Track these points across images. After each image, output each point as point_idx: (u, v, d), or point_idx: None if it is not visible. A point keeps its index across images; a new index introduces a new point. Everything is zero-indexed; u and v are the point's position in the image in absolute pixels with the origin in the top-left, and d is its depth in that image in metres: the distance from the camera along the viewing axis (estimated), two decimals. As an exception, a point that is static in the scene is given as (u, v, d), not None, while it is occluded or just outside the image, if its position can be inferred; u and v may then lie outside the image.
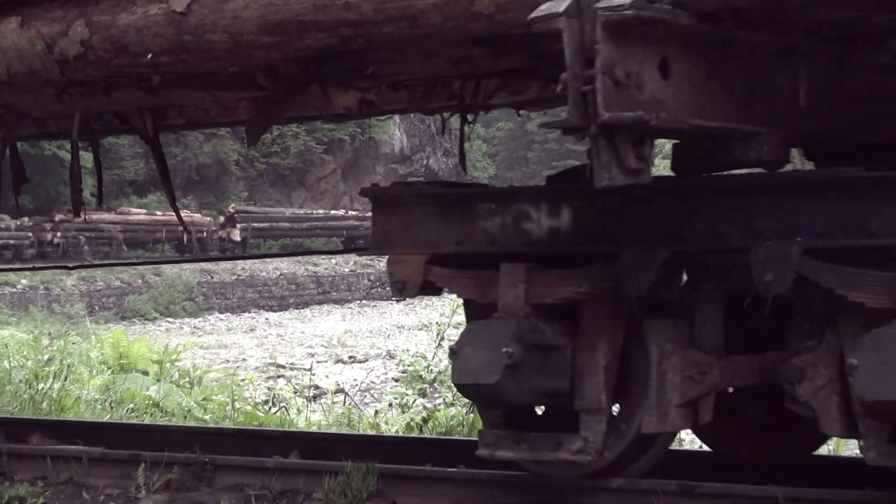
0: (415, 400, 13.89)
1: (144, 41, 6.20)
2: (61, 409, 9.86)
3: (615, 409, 6.36)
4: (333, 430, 8.24)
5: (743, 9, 5.18)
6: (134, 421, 9.96)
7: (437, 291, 6.57)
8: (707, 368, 5.92)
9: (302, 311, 45.53)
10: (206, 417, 10.78)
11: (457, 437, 8.69)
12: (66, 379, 11.32)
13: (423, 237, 6.41)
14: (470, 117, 7.55)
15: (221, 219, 55.23)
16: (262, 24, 5.87)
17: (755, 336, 6.22)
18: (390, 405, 13.60)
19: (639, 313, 5.96)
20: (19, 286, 41.21)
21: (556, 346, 5.98)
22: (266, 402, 12.30)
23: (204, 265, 48.57)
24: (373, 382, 20.33)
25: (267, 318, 41.16)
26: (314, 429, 8.84)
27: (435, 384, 14.55)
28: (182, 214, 46.31)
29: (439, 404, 12.40)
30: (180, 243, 52.64)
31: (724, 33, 5.29)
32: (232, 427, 9.16)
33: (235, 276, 48.94)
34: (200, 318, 42.38)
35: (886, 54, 5.63)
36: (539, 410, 6.66)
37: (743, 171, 5.98)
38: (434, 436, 8.88)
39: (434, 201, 6.41)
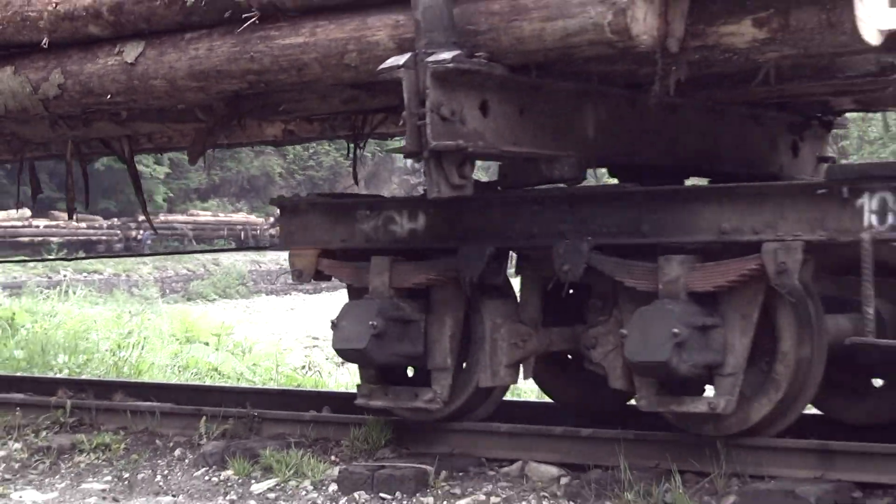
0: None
1: (104, 85, 6.54)
2: (139, 373, 9.88)
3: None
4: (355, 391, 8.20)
5: (544, 62, 5.48)
6: (197, 382, 9.95)
7: (326, 278, 6.77)
8: (527, 337, 6.20)
9: (332, 293, 45.61)
10: (255, 379, 10.71)
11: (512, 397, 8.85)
12: (142, 348, 11.36)
13: (316, 236, 6.67)
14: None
15: (271, 219, 56.03)
16: (190, 73, 6.23)
17: (568, 312, 6.37)
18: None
19: (475, 295, 6.21)
20: (105, 273, 41.30)
21: (413, 319, 6.29)
22: (303, 367, 12.20)
23: (253, 255, 48.00)
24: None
25: (304, 300, 41.29)
26: (342, 389, 8.79)
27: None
28: (240, 216, 45.67)
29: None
30: (238, 239, 53.29)
31: (531, 81, 5.58)
32: (276, 387, 9.08)
33: (279, 266, 49.25)
34: (251, 300, 42.45)
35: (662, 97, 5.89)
36: (410, 371, 6.90)
37: (549, 185, 6.22)
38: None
39: (324, 209, 6.68)
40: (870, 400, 6.47)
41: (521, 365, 6.38)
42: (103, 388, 8.22)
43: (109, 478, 6.24)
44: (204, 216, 55.30)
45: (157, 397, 7.82)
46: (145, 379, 9.31)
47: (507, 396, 7.61)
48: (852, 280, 5.68)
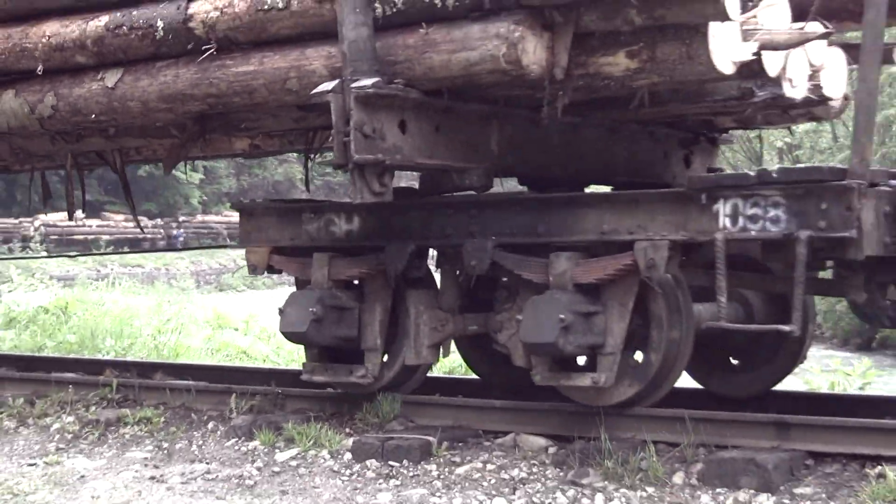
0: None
1: (90, 106, 6.68)
2: (176, 355, 9.83)
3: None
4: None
5: (453, 87, 5.62)
6: (227, 363, 9.89)
7: (277, 272, 6.91)
8: (446, 322, 6.36)
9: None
10: (280, 361, 10.58)
11: (457, 375, 8.63)
12: (179, 333, 11.26)
13: (268, 236, 6.78)
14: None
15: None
16: (160, 96, 6.38)
17: (481, 301, 6.47)
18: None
19: (400, 286, 6.34)
20: (147, 267, 41.40)
21: (348, 307, 6.41)
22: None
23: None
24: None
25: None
26: None
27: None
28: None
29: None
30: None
31: (444, 103, 5.77)
32: (297, 368, 8.71)
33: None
34: (275, 290, 42.24)
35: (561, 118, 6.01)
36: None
37: (461, 192, 6.29)
38: (441, 374, 8.65)
39: (276, 212, 6.82)
40: (741, 376, 6.61)
41: (440, 346, 6.49)
42: (145, 369, 8.26)
43: (150, 447, 6.33)
44: (236, 217, 55.61)
45: (192, 376, 7.77)
46: (182, 360, 9.26)
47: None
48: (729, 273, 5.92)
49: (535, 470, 5.26)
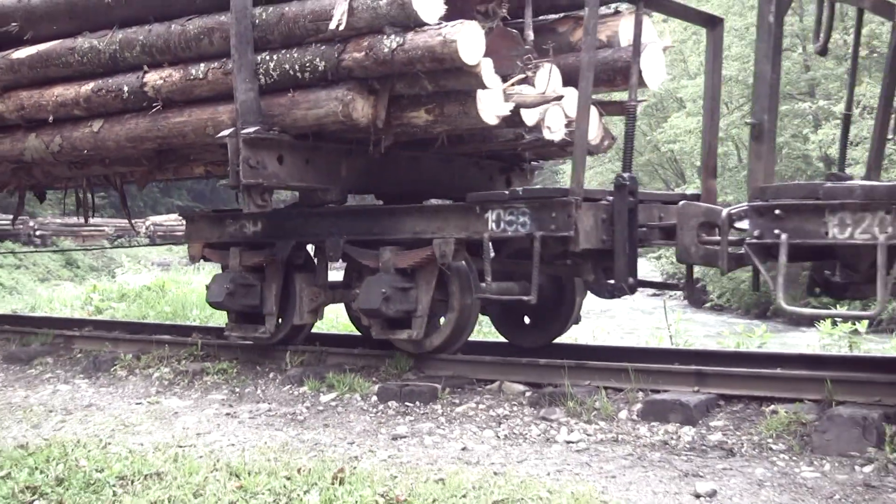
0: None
1: (83, 144, 7.57)
2: (345, 326, 9.73)
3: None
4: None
5: (312, 132, 6.56)
6: None
7: (209, 261, 7.80)
8: (320, 294, 7.23)
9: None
10: (322, 326, 10.25)
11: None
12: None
13: (203, 235, 7.58)
14: None
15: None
16: (127, 138, 7.29)
17: (349, 278, 7.23)
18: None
19: (289, 270, 7.21)
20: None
21: (253, 284, 7.25)
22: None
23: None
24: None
25: None
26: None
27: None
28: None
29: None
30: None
31: (310, 143, 6.69)
32: (336, 332, 9.21)
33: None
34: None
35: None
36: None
37: (325, 204, 7.15)
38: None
39: (208, 218, 7.59)
40: (533, 332, 7.37)
41: (317, 311, 7.27)
42: (222, 332, 8.10)
43: (226, 391, 6.47)
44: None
45: (372, 345, 7.51)
46: (346, 330, 9.25)
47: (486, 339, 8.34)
48: (514, 262, 6.67)
49: (515, 409, 5.49)
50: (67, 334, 8.40)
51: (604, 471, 4.27)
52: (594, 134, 6.90)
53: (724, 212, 5.06)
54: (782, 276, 4.82)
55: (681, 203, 5.41)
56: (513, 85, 6.12)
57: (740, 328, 10.53)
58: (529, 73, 6.24)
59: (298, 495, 3.94)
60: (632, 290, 5.82)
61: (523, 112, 6.21)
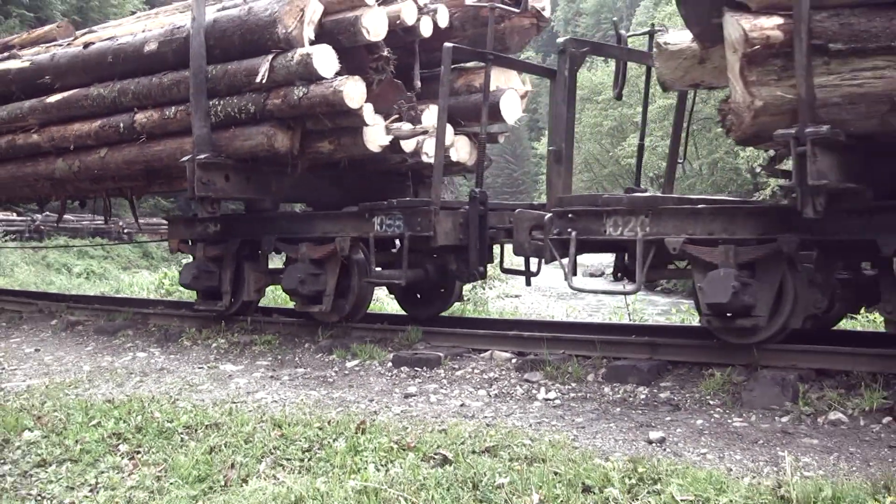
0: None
1: (94, 166, 7.92)
2: (286, 302, 9.41)
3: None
4: (402, 313, 7.93)
5: (250, 158, 6.85)
6: None
7: (184, 252, 8.09)
8: (262, 278, 7.49)
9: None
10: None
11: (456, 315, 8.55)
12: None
13: (179, 233, 7.72)
14: None
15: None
16: (123, 161, 7.65)
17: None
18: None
19: (240, 259, 7.36)
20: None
21: (213, 270, 7.39)
22: (374, 300, 12.40)
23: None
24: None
25: None
26: (392, 312, 8.61)
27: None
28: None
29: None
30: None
31: (249, 166, 6.94)
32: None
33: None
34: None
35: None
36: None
37: (262, 211, 7.58)
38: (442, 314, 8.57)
39: (182, 221, 7.88)
40: (426, 306, 7.39)
41: (261, 290, 7.52)
42: (268, 311, 8.21)
43: (270, 358, 6.34)
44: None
45: (296, 315, 7.62)
46: (289, 306, 8.80)
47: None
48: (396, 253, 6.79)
49: (503, 373, 5.41)
50: (144, 312, 8.32)
51: (575, 422, 4.25)
52: (466, 157, 7.22)
53: (547, 216, 5.44)
54: (572, 262, 5.32)
55: (517, 210, 5.79)
56: (393, 122, 6.53)
57: (685, 307, 10.63)
58: (412, 113, 6.63)
59: (329, 442, 3.89)
60: (482, 276, 6.29)
61: (402, 142, 6.60)
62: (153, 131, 7.23)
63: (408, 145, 6.68)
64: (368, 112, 6.24)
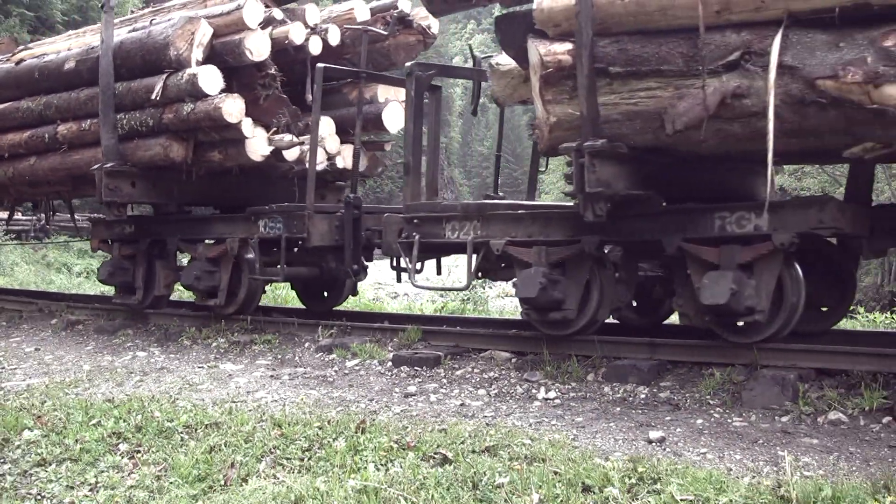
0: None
1: (25, 173, 8.68)
2: (286, 302, 9.94)
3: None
4: (403, 312, 8.05)
5: (152, 167, 7.48)
6: None
7: (103, 251, 8.73)
8: (170, 275, 8.08)
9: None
10: (349, 306, 10.05)
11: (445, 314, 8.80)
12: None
13: (99, 234, 8.64)
14: None
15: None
16: (49, 169, 8.41)
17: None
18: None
19: (151, 257, 8.08)
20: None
21: (127, 267, 8.27)
22: (373, 299, 11.99)
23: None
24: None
25: (374, 265, 39.20)
26: (394, 311, 8.72)
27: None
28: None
29: (449, 301, 11.41)
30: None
31: (153, 174, 7.59)
32: (358, 310, 8.98)
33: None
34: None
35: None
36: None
37: (168, 213, 8.23)
38: (442, 314, 8.92)
39: (102, 224, 8.55)
40: (323, 300, 8.16)
41: (170, 286, 8.10)
42: (268, 310, 8.25)
43: (271, 358, 6.33)
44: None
45: (296, 315, 7.64)
46: (289, 305, 9.35)
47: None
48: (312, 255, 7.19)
49: (503, 372, 5.39)
50: (144, 311, 8.34)
51: (575, 422, 4.24)
52: (347, 164, 7.70)
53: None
54: (415, 262, 5.91)
55: (385, 214, 6.39)
56: (275, 134, 7.14)
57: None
58: (300, 125, 7.27)
59: (328, 441, 3.88)
60: (356, 274, 6.83)
61: (285, 152, 7.17)
62: (73, 141, 7.90)
63: (291, 154, 7.23)
64: (247, 126, 6.88)
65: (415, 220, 5.99)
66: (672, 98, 4.33)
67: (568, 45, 4.60)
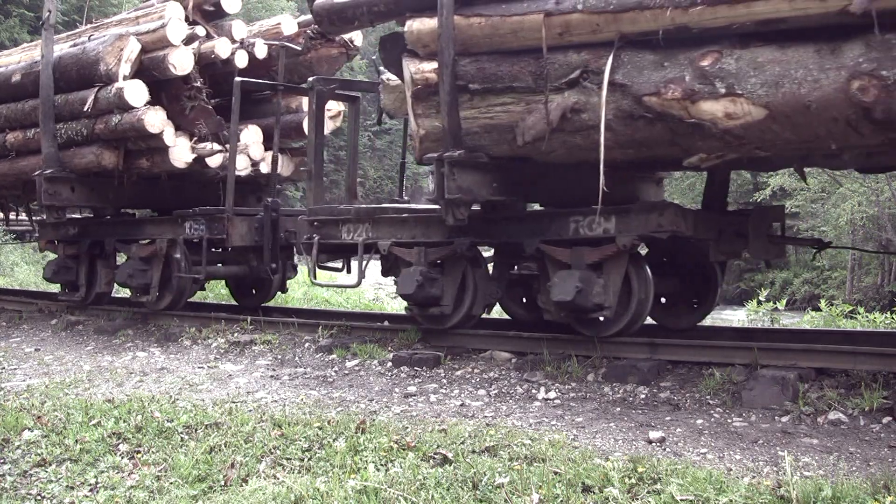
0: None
1: None
2: (286, 302, 9.86)
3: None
4: (402, 313, 7.65)
5: (94, 173, 8.05)
6: (316, 307, 9.80)
7: (51, 251, 9.37)
8: (111, 272, 8.50)
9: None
10: (349, 306, 10.53)
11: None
12: (286, 291, 11.43)
13: (49, 235, 9.09)
14: None
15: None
16: (8, 172, 8.91)
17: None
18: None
19: (94, 257, 8.48)
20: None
21: (71, 266, 8.70)
22: (374, 299, 11.98)
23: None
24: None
25: (371, 266, 38.49)
26: (393, 312, 8.62)
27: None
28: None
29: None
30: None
31: (92, 180, 8.11)
32: (359, 311, 9.06)
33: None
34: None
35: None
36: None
37: (104, 217, 8.67)
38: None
39: (51, 225, 8.77)
40: (254, 296, 8.61)
41: (111, 283, 8.54)
42: (268, 310, 8.38)
43: (270, 358, 6.32)
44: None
45: (296, 315, 7.76)
46: (289, 305, 9.36)
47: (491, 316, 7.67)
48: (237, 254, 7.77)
49: (503, 372, 5.38)
50: (144, 311, 8.38)
51: (575, 422, 4.23)
52: (280, 169, 8.18)
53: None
54: (314, 262, 6.45)
55: (299, 217, 6.80)
56: (197, 142, 7.61)
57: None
58: (225, 133, 7.67)
59: (329, 441, 3.88)
60: (274, 273, 7.35)
61: (207, 159, 7.65)
62: (20, 149, 8.44)
63: (214, 161, 7.69)
64: (169, 135, 7.40)
65: (315, 223, 6.48)
66: (523, 112, 4.75)
67: (435, 64, 5.03)
